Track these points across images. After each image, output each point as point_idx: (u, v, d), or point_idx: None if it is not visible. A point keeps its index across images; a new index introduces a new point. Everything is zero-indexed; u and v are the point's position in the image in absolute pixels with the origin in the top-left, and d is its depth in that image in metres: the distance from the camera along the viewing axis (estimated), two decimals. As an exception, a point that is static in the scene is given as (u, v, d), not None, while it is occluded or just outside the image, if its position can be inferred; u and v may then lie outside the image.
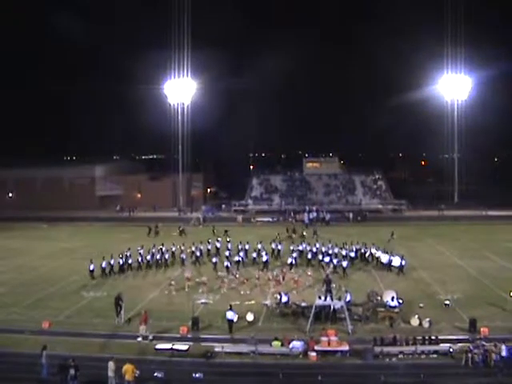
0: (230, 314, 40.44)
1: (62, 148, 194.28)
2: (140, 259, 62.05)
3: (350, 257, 61.76)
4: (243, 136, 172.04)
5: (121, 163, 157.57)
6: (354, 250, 63.42)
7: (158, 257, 63.03)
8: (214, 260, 61.77)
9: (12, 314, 46.18)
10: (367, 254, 62.88)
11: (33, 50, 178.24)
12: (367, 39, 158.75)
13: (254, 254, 63.81)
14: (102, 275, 57.76)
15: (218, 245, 67.54)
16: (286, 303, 44.07)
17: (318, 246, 64.89)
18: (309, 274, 56.74)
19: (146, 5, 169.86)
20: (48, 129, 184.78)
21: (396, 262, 58.10)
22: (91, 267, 57.42)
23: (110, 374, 31.21)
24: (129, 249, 63.76)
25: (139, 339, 38.87)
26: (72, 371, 30.91)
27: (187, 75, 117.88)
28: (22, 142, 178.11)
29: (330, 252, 61.73)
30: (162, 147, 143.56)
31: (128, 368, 31.06)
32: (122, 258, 61.08)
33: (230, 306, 41.49)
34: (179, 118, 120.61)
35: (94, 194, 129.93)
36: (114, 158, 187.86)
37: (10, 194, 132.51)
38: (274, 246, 66.74)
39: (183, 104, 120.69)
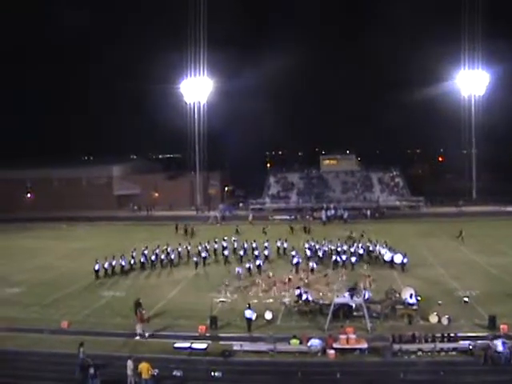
0: (248, 313, 40.49)
1: (80, 148, 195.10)
2: (143, 259, 62.33)
3: (359, 253, 62.03)
4: (260, 134, 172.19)
5: (138, 162, 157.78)
6: (363, 247, 63.84)
7: (163, 257, 63.20)
8: (232, 255, 63.98)
9: (31, 313, 46.61)
10: (375, 252, 62.87)
11: (51, 49, 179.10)
12: (384, 34, 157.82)
13: (255, 252, 63.85)
14: (106, 275, 58.36)
15: (225, 244, 67.10)
16: (307, 300, 44.10)
17: (324, 243, 65.15)
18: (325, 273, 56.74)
19: (162, 4, 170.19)
20: (66, 129, 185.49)
21: (397, 259, 58.01)
22: (96, 267, 57.78)
23: (129, 372, 31.37)
24: (146, 247, 64.38)
25: (137, 337, 39.21)
26: (92, 370, 31.06)
27: (203, 74, 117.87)
28: (40, 143, 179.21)
29: (339, 250, 62.25)
30: (178, 146, 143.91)
31: (144, 366, 31.21)
32: (132, 257, 61.99)
33: (249, 304, 41.56)
34: (195, 116, 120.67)
35: (111, 194, 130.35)
36: (131, 157, 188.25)
37: (29, 195, 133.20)
38: (279, 244, 67.27)
39: (199, 103, 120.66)
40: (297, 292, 45.65)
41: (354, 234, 74.73)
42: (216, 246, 67.29)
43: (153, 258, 62.86)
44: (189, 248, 66.49)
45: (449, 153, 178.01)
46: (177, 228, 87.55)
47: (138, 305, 43.35)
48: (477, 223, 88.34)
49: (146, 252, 63.43)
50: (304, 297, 44.37)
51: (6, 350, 37.98)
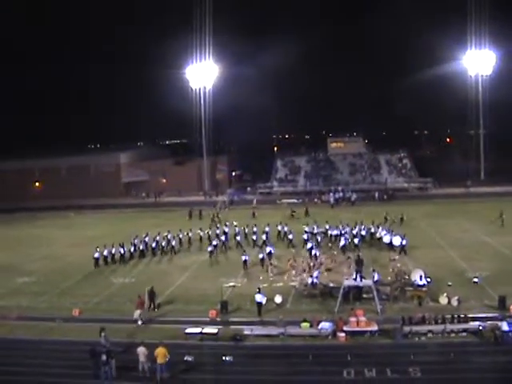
0: (258, 297, 40.58)
1: (86, 136, 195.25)
2: (142, 246, 62.29)
3: (361, 235, 62.12)
4: (266, 118, 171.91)
5: (145, 149, 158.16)
6: (365, 229, 63.86)
7: (163, 244, 63.06)
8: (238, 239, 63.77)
9: (42, 302, 46.86)
10: (377, 234, 62.66)
11: (56, 35, 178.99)
12: (390, 14, 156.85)
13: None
14: (106, 263, 58.57)
15: (227, 229, 67.61)
16: (312, 284, 44.25)
17: (327, 227, 65.14)
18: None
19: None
20: (72, 117, 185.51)
21: (396, 241, 57.86)
22: (96, 255, 57.92)
23: (142, 358, 31.49)
24: (147, 234, 64.74)
25: (139, 322, 39.43)
26: (104, 357, 31.20)
27: (209, 59, 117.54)
28: (47, 132, 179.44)
29: (343, 232, 62.29)
30: (185, 132, 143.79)
31: (160, 351, 31.14)
32: (134, 245, 62.02)
33: (259, 288, 41.65)
34: (202, 101, 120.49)
35: (119, 181, 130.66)
36: (139, 144, 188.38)
37: (37, 184, 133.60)
38: (279, 228, 67.35)
39: (205, 88, 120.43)
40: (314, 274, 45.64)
41: (389, 216, 74.37)
42: (227, 230, 67.37)
43: (153, 245, 62.55)
44: (201, 234, 66.83)
45: (456, 134, 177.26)
46: (190, 215, 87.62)
47: (151, 293, 43.56)
48: (485, 204, 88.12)
49: (146, 239, 63.38)
50: (309, 280, 44.50)
51: (19, 338, 38.26)
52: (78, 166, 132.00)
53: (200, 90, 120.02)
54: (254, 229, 65.35)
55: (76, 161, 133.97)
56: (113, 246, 59.84)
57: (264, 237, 63.51)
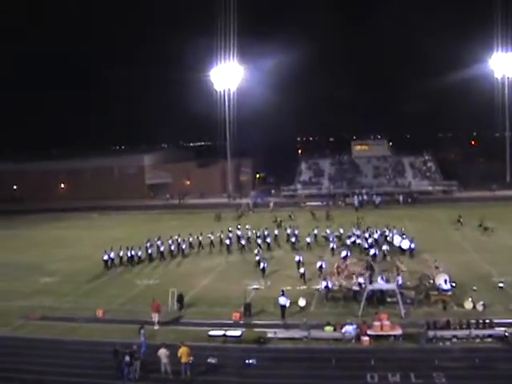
0: (282, 300, 40.48)
1: (111, 138, 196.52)
2: (150, 250, 61.86)
3: (374, 239, 61.92)
4: (291, 120, 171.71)
5: (169, 151, 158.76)
6: (379, 232, 63.78)
7: (173, 248, 63.13)
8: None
9: (66, 302, 47.21)
10: (389, 237, 62.06)
11: (78, 36, 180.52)
12: (417, 16, 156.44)
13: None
14: (113, 265, 58.73)
15: (239, 232, 67.77)
16: (326, 287, 44.12)
17: (341, 231, 65.59)
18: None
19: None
20: (96, 119, 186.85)
21: (405, 244, 57.66)
22: (105, 257, 58.21)
23: (164, 360, 31.56)
24: (179, 235, 65.29)
25: (155, 327, 39.38)
26: (127, 358, 31.31)
27: (233, 61, 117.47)
28: (72, 134, 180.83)
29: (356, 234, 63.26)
30: (209, 134, 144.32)
31: (183, 351, 31.36)
32: (147, 246, 61.89)
33: (283, 291, 41.52)
34: (226, 103, 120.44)
35: (143, 183, 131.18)
36: (162, 146, 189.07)
37: (62, 185, 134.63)
38: (289, 231, 67.32)
39: (229, 90, 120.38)
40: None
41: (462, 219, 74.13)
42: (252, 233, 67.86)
43: (162, 248, 62.02)
44: (221, 236, 66.64)
45: (481, 136, 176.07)
46: (219, 217, 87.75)
47: (180, 297, 43.75)
48: (511, 207, 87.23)
49: (158, 243, 63.07)
50: (324, 284, 44.35)
51: (43, 338, 38.55)
52: (102, 168, 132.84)
53: (224, 91, 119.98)
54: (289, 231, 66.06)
55: (100, 162, 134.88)
56: (120, 249, 60.14)
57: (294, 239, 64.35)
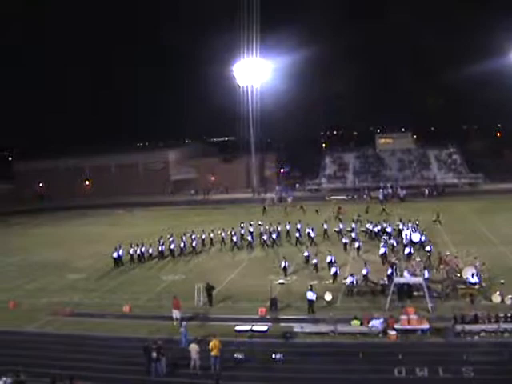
0: (309, 295, 40.33)
1: (135, 134, 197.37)
2: (161, 248, 61.50)
3: (387, 232, 61.81)
4: (314, 114, 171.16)
5: (193, 147, 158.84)
6: (391, 225, 64.00)
7: (182, 245, 62.38)
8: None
9: (94, 298, 47.49)
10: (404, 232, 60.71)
11: (103, 35, 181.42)
12: (438, 7, 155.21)
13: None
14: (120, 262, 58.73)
15: (252, 229, 66.98)
16: (352, 283, 44.07)
17: (353, 226, 64.85)
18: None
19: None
20: (121, 115, 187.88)
21: (415, 237, 57.15)
22: (115, 254, 58.41)
23: (194, 355, 31.65)
24: (203, 231, 65.90)
25: (174, 323, 39.33)
26: (154, 354, 31.43)
27: (256, 55, 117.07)
28: (97, 131, 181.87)
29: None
30: (233, 129, 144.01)
31: (214, 343, 31.47)
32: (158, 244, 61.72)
33: (311, 286, 41.47)
34: (249, 98, 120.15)
35: (168, 179, 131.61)
36: (186, 141, 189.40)
37: (87, 182, 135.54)
38: (299, 226, 66.46)
39: (253, 84, 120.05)
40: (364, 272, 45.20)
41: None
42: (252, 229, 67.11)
43: (171, 246, 61.80)
44: (203, 237, 66.18)
45: (507, 128, 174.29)
46: (264, 211, 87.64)
47: (209, 289, 43.89)
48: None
49: (171, 240, 63.11)
50: (350, 279, 44.22)
51: (71, 334, 38.84)
52: (127, 164, 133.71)
53: (247, 86, 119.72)
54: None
55: (125, 159, 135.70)
56: (131, 246, 60.21)
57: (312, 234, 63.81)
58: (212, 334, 33.00)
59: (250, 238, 64.52)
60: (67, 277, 55.46)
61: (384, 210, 77.67)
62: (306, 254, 54.36)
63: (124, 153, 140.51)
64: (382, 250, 53.09)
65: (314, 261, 51.13)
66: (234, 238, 64.05)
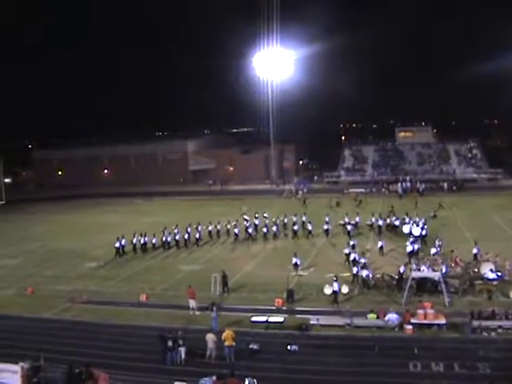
0: (334, 286, 40.40)
1: (154, 124, 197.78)
2: (165, 238, 61.66)
3: (393, 226, 62.61)
4: (334, 107, 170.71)
5: (212, 137, 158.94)
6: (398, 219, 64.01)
7: (186, 236, 62.33)
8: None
9: (111, 287, 47.77)
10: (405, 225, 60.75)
11: (121, 25, 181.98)
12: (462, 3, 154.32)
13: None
14: (123, 253, 59.00)
15: (267, 221, 67.48)
16: (367, 276, 43.99)
17: (358, 219, 65.52)
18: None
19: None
20: (140, 105, 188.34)
21: (416, 231, 56.52)
22: (117, 244, 58.74)
23: (210, 345, 31.70)
24: (219, 222, 66.36)
25: (191, 312, 39.55)
26: (170, 343, 31.55)
27: (276, 46, 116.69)
28: (116, 120, 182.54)
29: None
30: (252, 120, 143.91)
31: (228, 334, 31.55)
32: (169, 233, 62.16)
33: (336, 277, 41.46)
34: (269, 89, 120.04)
35: (187, 169, 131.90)
36: (206, 132, 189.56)
37: (106, 171, 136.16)
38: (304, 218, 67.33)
39: (273, 76, 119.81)
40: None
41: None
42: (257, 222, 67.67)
43: (177, 237, 61.86)
44: (210, 228, 66.45)
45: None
46: (338, 204, 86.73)
47: (224, 277, 44.18)
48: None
49: (176, 231, 62.94)
50: (365, 273, 44.09)
51: (88, 321, 39.07)
52: (146, 154, 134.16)
53: (267, 78, 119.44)
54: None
55: (144, 149, 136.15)
56: (134, 236, 60.51)
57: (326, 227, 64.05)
58: (226, 326, 33.06)
59: (265, 229, 64.22)
60: (85, 265, 55.78)
61: (440, 205, 77.25)
62: (346, 251, 51.73)
63: (143, 143, 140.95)
64: (409, 248, 51.53)
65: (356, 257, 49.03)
66: (250, 230, 64.15)
